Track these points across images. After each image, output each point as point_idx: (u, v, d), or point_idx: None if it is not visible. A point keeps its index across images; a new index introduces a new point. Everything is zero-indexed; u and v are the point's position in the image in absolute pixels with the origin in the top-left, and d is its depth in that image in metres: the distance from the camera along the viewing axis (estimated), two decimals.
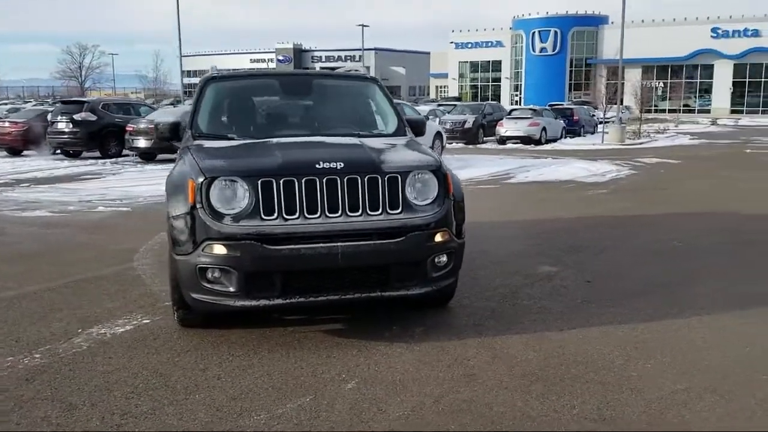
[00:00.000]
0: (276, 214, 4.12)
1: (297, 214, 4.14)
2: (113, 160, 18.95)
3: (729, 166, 17.55)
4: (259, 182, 4.12)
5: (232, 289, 4.13)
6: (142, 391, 3.68)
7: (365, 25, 62.65)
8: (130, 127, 18.38)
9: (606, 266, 6.41)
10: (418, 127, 5.75)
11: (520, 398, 3.53)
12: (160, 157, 18.83)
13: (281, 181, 4.13)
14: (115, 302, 5.35)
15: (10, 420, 3.36)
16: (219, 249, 4.08)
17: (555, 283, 5.78)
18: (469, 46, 67.29)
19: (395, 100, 6.47)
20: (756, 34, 57.93)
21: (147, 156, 18.84)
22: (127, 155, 19.46)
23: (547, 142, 26.49)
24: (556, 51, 63.70)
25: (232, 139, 5.07)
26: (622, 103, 35.73)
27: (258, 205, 4.12)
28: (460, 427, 3.22)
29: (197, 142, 5.02)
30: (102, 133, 19.37)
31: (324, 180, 4.18)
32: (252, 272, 4.09)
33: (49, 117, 20.19)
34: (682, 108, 56.22)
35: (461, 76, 72.95)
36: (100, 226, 8.89)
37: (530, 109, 29.42)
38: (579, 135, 30.44)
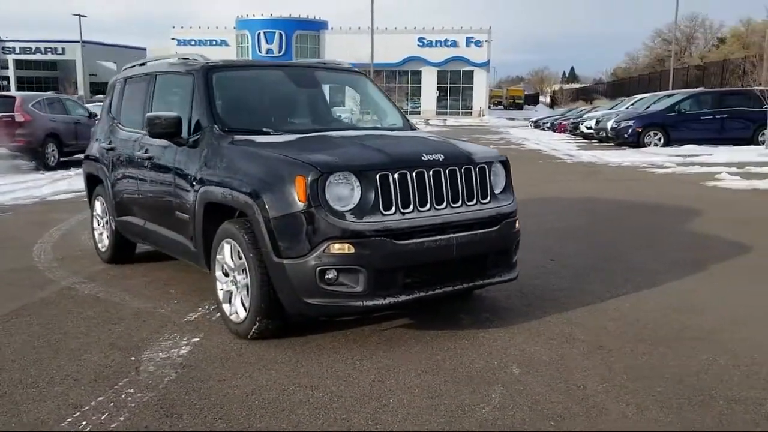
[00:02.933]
0: (394, 209, 4.00)
1: (411, 207, 4.06)
2: None
3: None
4: (378, 176, 3.96)
5: (359, 289, 3.90)
6: (324, 405, 3.35)
7: (83, 15, 57.02)
8: None
9: (545, 246, 7.06)
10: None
11: (665, 358, 3.93)
12: None
13: (396, 175, 4.02)
14: (120, 326, 4.61)
15: None
16: (345, 248, 3.83)
17: (530, 264, 6.28)
18: (193, 43, 65.13)
19: None
20: (455, 44, 65.57)
21: None
22: None
23: None
24: (282, 53, 64.92)
25: (268, 133, 4.69)
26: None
27: (377, 200, 3.95)
28: (664, 389, 3.51)
29: (238, 136, 4.54)
30: None
31: (431, 172, 4.16)
32: (380, 269, 3.91)
33: None
34: None
35: None
36: None
37: None
38: None
